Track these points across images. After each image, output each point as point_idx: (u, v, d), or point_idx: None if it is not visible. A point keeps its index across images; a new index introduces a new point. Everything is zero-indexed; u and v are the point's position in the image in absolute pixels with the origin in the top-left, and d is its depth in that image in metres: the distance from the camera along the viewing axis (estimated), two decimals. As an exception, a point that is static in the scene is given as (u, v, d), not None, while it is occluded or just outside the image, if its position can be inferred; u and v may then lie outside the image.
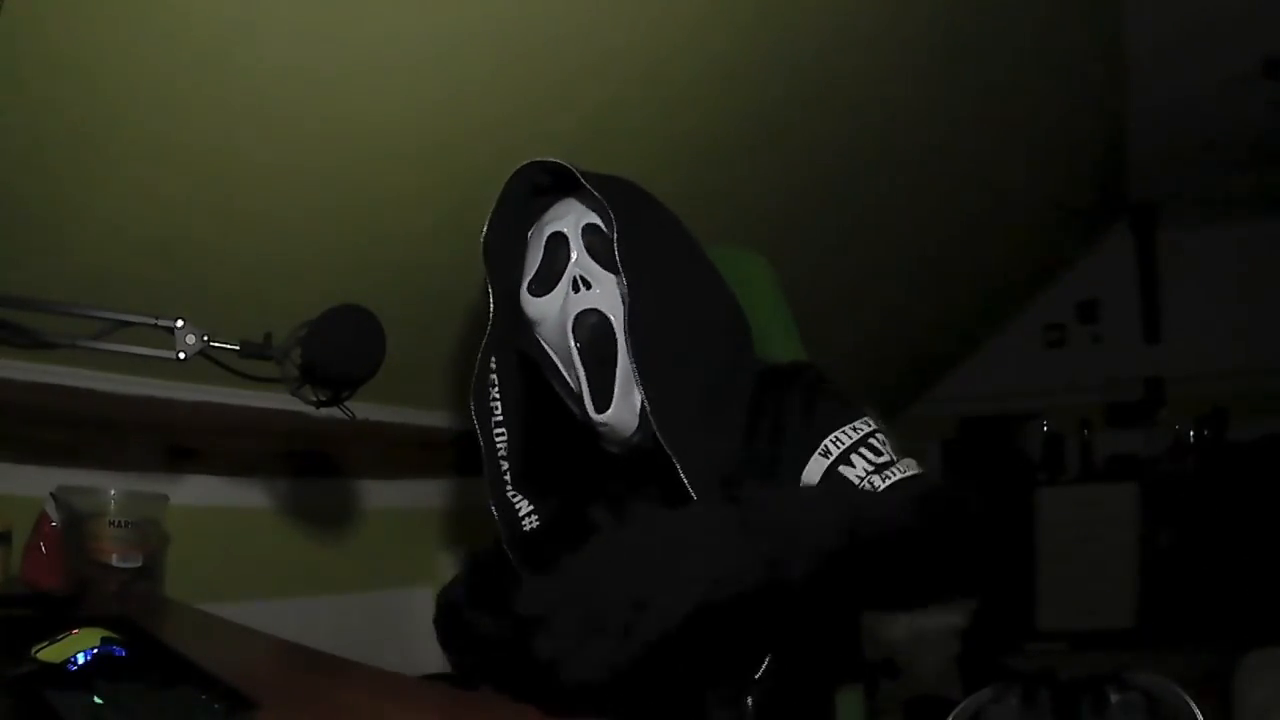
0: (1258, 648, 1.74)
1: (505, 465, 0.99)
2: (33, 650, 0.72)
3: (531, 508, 0.98)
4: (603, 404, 0.90)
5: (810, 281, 2.57)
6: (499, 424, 0.99)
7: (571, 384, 0.94)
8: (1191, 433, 3.91)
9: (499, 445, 0.99)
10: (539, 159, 0.94)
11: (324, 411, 0.87)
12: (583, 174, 0.91)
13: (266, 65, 1.14)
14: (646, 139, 1.70)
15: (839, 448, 0.86)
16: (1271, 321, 3.82)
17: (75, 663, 0.71)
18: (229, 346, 0.78)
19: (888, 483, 0.83)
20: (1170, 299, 4.16)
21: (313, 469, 1.79)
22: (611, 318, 0.91)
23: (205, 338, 0.77)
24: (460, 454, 1.98)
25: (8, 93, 1.00)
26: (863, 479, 0.84)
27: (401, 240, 1.52)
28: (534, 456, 1.00)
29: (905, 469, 0.85)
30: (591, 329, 0.91)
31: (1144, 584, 3.58)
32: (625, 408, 0.90)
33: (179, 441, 1.52)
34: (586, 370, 0.91)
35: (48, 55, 0.99)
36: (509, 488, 0.98)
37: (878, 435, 0.88)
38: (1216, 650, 2.11)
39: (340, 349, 0.80)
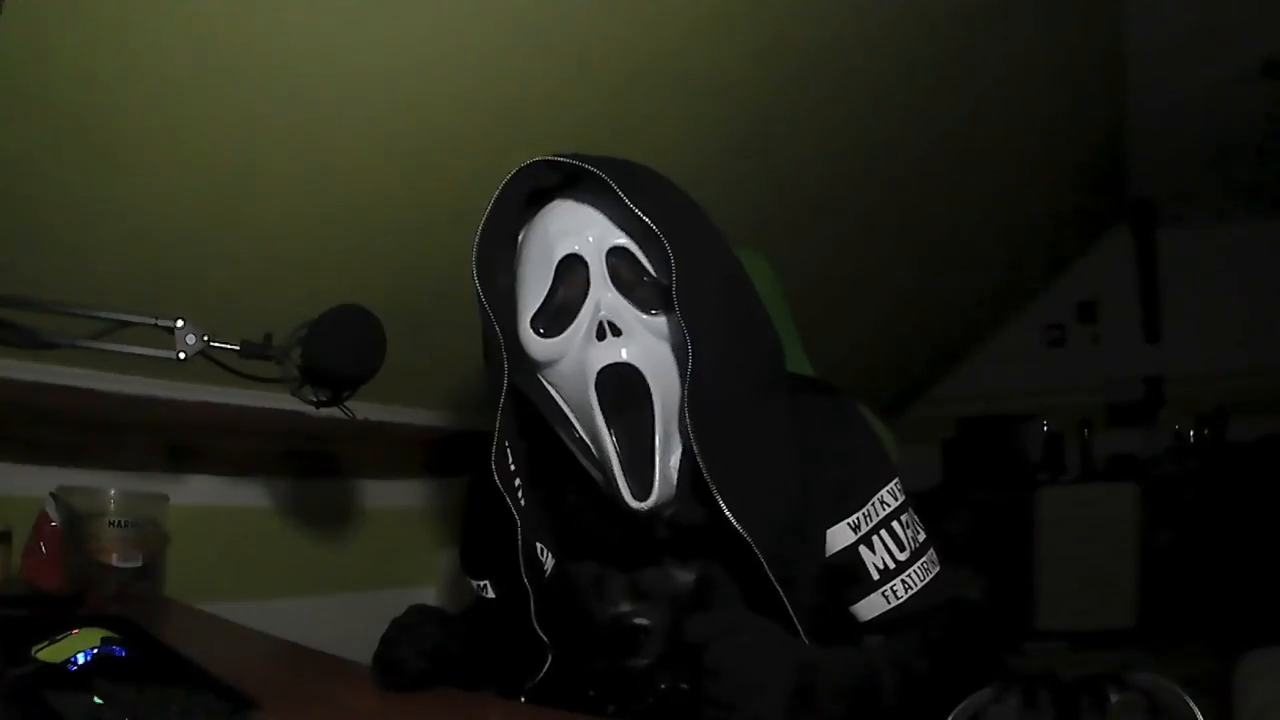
0: (1258, 648, 1.73)
1: (527, 515, 0.85)
2: (33, 650, 0.72)
3: (553, 559, 0.87)
4: (642, 492, 0.75)
5: (811, 281, 2.57)
6: (514, 473, 0.83)
7: (592, 449, 0.79)
8: (1191, 433, 3.91)
9: (521, 499, 0.83)
10: (546, 157, 0.78)
11: (324, 411, 0.87)
12: (614, 174, 0.73)
13: (267, 66, 1.14)
14: (646, 138, 1.70)
15: (868, 523, 0.84)
16: (1271, 321, 3.82)
17: (75, 663, 0.71)
18: (229, 346, 0.78)
19: (901, 599, 0.83)
20: (1170, 299, 4.16)
21: (313, 469, 1.78)
22: (647, 374, 0.75)
23: (205, 338, 0.77)
24: (442, 455, 1.95)
25: (9, 92, 1.00)
26: (880, 579, 0.83)
27: (402, 240, 1.52)
28: (541, 502, 0.87)
29: (922, 573, 0.84)
30: (624, 395, 0.75)
31: (1144, 584, 3.58)
32: (664, 486, 0.76)
33: (179, 441, 1.52)
34: (619, 452, 0.75)
35: (49, 54, 0.99)
36: (536, 541, 0.85)
37: (903, 515, 0.85)
38: (1216, 650, 2.11)
39: (340, 349, 0.80)
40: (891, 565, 0.83)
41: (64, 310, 0.76)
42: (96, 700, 0.62)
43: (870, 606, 0.84)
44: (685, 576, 0.84)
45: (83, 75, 1.03)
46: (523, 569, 0.82)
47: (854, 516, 0.84)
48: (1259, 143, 3.35)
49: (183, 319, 0.76)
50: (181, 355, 0.75)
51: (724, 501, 0.74)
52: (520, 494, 0.82)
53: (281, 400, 1.03)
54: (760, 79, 1.79)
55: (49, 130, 1.07)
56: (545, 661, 0.87)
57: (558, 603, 0.87)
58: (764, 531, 0.76)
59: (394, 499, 1.93)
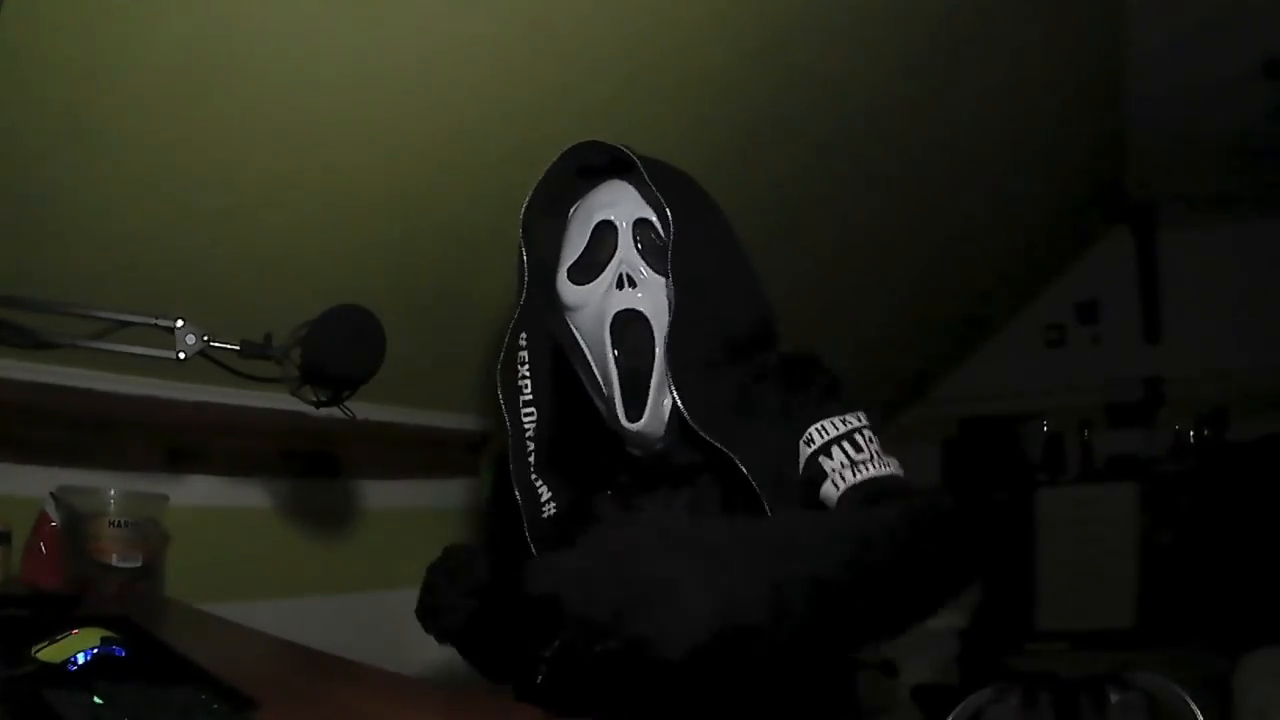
0: (1258, 648, 1.73)
1: (531, 447, 0.96)
2: (33, 650, 0.71)
3: (551, 494, 0.96)
4: (635, 413, 0.88)
5: (810, 282, 2.57)
6: (527, 403, 0.96)
7: (600, 381, 0.91)
8: (1191, 433, 3.90)
9: (526, 426, 0.96)
10: (596, 139, 0.91)
11: (324, 411, 0.87)
12: (644, 163, 0.88)
13: (267, 65, 1.14)
14: (645, 139, 1.69)
15: (822, 437, 0.86)
16: (1271, 321, 3.81)
17: (75, 663, 0.71)
18: (229, 346, 0.78)
19: (860, 477, 0.83)
20: (1170, 299, 4.16)
21: (313, 469, 1.78)
22: (653, 321, 0.88)
23: (205, 338, 0.77)
24: (442, 455, 1.96)
25: (8, 92, 1.00)
26: (835, 470, 0.84)
27: (402, 241, 1.52)
28: (557, 441, 0.97)
29: (881, 466, 0.84)
30: (631, 332, 0.88)
31: (1144, 584, 3.58)
32: (655, 416, 0.88)
33: (179, 441, 1.52)
34: (620, 375, 0.88)
35: (48, 54, 0.99)
36: (532, 471, 0.95)
37: (864, 432, 0.87)
38: (1216, 650, 2.11)
39: (340, 349, 0.80)
40: (846, 462, 0.84)
41: (64, 310, 0.76)
42: (96, 700, 0.62)
43: (826, 498, 0.84)
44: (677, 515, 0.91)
45: (82, 75, 1.03)
46: (514, 485, 0.93)
47: (808, 431, 0.87)
48: (1259, 143, 3.34)
49: (183, 319, 0.76)
50: (181, 355, 0.75)
51: (697, 424, 0.83)
52: (522, 413, 0.94)
53: (281, 400, 1.03)
54: (758, 81, 1.79)
55: (48, 130, 1.07)
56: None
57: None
58: (749, 453, 0.83)
59: (394, 499, 1.93)
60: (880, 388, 3.76)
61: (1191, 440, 3.90)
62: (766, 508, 0.82)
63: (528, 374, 0.96)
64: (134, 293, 1.26)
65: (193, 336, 0.76)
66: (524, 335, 0.96)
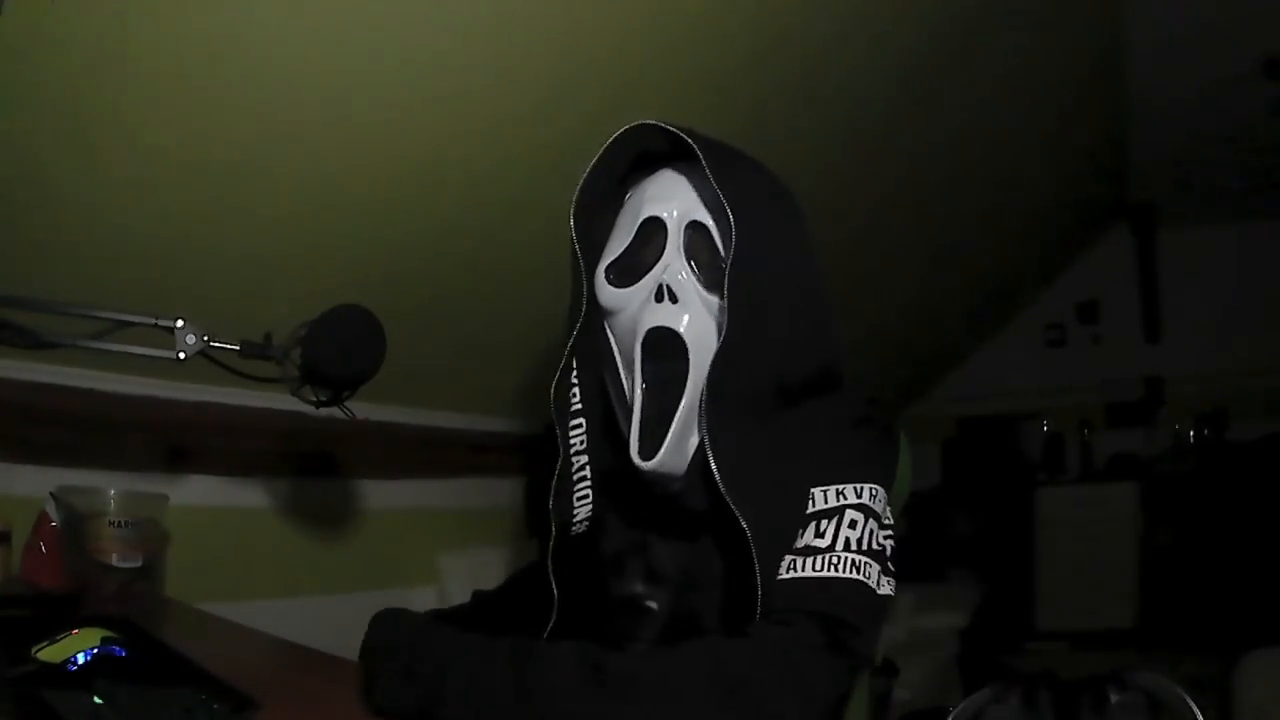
0: (1258, 648, 1.74)
1: (583, 460, 0.87)
2: (33, 650, 0.72)
3: (590, 512, 0.87)
4: (649, 451, 0.76)
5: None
6: (576, 413, 0.86)
7: (627, 395, 0.81)
8: (1191, 433, 3.91)
9: (573, 440, 0.86)
10: (652, 121, 0.79)
11: (324, 411, 0.87)
12: (706, 151, 0.75)
13: (267, 65, 1.14)
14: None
15: (810, 506, 0.75)
16: (1271, 321, 3.82)
17: (75, 663, 0.71)
18: (229, 346, 0.78)
19: (798, 573, 0.72)
20: (1170, 299, 4.16)
21: (313, 469, 1.78)
22: (690, 349, 0.77)
23: (205, 338, 0.77)
24: (442, 455, 1.97)
25: (8, 92, 1.00)
26: (793, 550, 0.74)
27: (403, 241, 1.52)
28: (603, 452, 0.88)
29: (835, 566, 0.71)
30: (663, 358, 0.77)
31: (1144, 584, 3.59)
32: (676, 456, 0.77)
33: (179, 441, 1.52)
34: (643, 408, 0.78)
35: (48, 55, 0.99)
36: (579, 485, 0.87)
37: (849, 513, 0.74)
38: (1216, 650, 2.11)
39: (340, 349, 0.80)
40: (804, 546, 0.73)
41: (64, 310, 0.76)
42: (96, 700, 0.62)
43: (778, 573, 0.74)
44: (679, 562, 0.85)
45: (82, 76, 1.03)
46: (551, 500, 0.85)
47: (810, 491, 0.76)
48: (1260, 143, 3.35)
49: (183, 319, 0.76)
50: (181, 355, 0.75)
51: (723, 484, 0.73)
52: (571, 430, 0.85)
53: (281, 400, 1.04)
54: (758, 82, 1.79)
55: (48, 130, 1.07)
56: (550, 619, 0.88)
57: (580, 570, 0.89)
58: (760, 524, 0.73)
59: (394, 499, 1.93)
60: (881, 387, 3.77)
61: (1191, 440, 3.90)
62: (758, 584, 0.72)
63: (576, 380, 0.86)
64: (134, 293, 1.26)
65: (193, 336, 0.76)
66: (581, 345, 0.86)
